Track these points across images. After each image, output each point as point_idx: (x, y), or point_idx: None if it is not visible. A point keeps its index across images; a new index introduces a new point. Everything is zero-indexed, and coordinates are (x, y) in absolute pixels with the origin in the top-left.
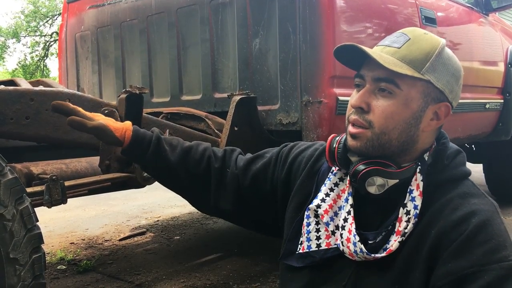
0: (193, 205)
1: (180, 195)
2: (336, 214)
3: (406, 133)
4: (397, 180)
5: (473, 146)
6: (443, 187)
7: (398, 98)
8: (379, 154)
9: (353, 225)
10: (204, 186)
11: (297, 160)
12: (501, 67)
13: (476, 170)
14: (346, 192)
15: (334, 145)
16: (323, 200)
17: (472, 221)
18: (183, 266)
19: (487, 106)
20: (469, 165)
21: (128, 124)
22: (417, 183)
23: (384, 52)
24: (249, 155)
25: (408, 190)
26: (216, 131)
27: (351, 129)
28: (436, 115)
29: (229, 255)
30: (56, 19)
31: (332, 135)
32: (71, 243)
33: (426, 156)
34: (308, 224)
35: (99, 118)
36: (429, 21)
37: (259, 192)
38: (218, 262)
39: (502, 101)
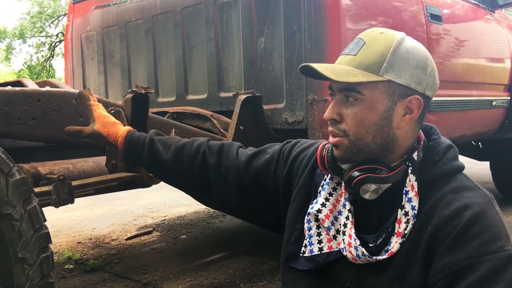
0: (198, 200)
1: (185, 192)
2: (336, 218)
3: (380, 134)
4: (390, 184)
5: (479, 143)
6: (435, 184)
7: (363, 103)
8: (362, 158)
9: (353, 230)
10: (203, 181)
11: (298, 159)
12: (507, 64)
13: (483, 168)
14: (343, 197)
15: (324, 153)
16: (323, 204)
17: (466, 214)
18: (189, 265)
19: (494, 103)
20: (473, 162)
21: (122, 130)
22: (411, 183)
23: (344, 61)
24: (250, 150)
25: (404, 191)
26: (221, 130)
27: (331, 139)
28: (408, 109)
29: (236, 253)
30: (62, 19)
31: (324, 142)
32: (78, 242)
33: (415, 156)
34: (310, 229)
35: (100, 120)
36: (434, 18)
37: (261, 188)
38: (225, 261)
39: (508, 98)
